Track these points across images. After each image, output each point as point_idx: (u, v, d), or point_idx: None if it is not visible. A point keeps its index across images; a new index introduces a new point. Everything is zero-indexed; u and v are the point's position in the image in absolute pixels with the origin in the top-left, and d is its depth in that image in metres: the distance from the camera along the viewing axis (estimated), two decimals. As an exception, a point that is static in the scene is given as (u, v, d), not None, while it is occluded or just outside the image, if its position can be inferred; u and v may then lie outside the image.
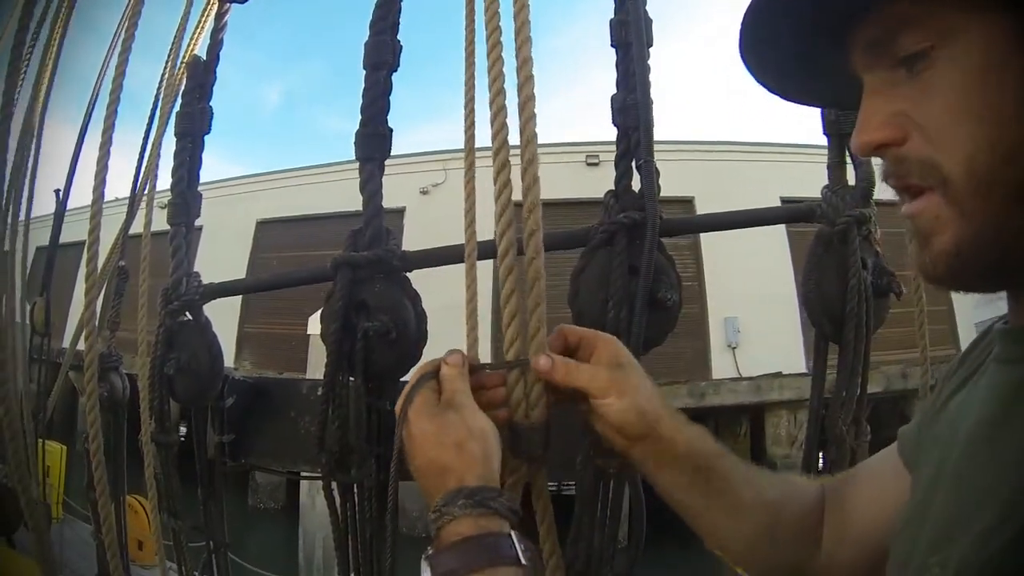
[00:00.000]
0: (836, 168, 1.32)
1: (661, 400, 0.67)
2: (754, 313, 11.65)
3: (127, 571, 2.57)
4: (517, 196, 0.75)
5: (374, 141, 1.11)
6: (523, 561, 0.54)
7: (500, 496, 0.57)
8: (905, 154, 0.45)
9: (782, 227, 11.96)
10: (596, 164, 11.83)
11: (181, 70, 1.72)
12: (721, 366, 11.64)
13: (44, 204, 3.08)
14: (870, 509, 0.63)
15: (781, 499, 0.68)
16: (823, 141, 1.34)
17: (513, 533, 0.56)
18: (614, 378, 0.65)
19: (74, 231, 3.37)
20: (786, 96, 0.55)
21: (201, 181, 1.56)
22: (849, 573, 0.65)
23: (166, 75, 1.92)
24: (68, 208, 3.14)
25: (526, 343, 0.66)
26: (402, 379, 1.09)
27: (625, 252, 0.97)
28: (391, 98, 1.19)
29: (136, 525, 2.49)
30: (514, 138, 0.75)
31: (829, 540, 0.66)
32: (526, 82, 0.73)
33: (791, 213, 1.30)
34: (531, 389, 0.66)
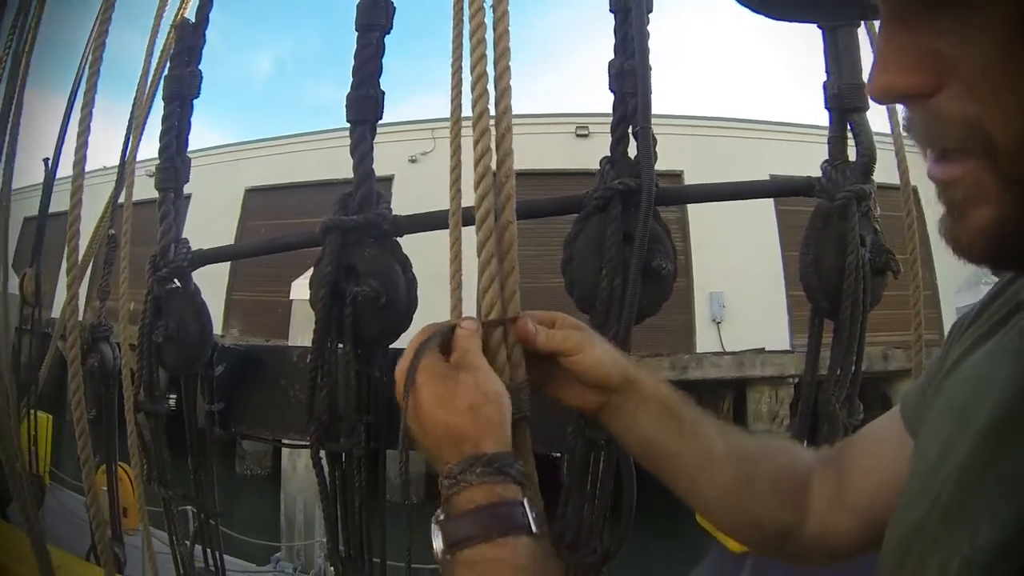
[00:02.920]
0: (837, 143, 1.29)
1: (622, 353, 0.69)
2: (740, 289, 11.76)
3: (120, 540, 2.58)
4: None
5: (366, 103, 1.08)
6: (534, 529, 0.53)
7: (517, 463, 0.57)
8: (939, 109, 0.35)
9: (771, 205, 11.99)
10: (586, 135, 11.82)
11: (170, 35, 1.68)
12: (705, 341, 11.76)
13: (35, 174, 3.05)
14: (871, 477, 0.60)
15: (758, 452, 0.67)
16: (814, 120, 1.32)
17: (526, 501, 0.55)
18: (582, 335, 0.67)
19: (64, 201, 3.32)
20: (777, 15, 0.47)
21: (189, 149, 1.53)
22: (847, 542, 0.63)
23: (156, 40, 1.88)
24: (58, 178, 3.09)
25: (504, 307, 0.66)
26: (392, 346, 1.08)
27: (619, 219, 0.95)
28: (383, 61, 1.17)
29: (123, 492, 2.49)
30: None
31: (823, 508, 0.63)
32: (503, 54, 0.73)
33: (790, 187, 1.28)
34: (512, 350, 0.66)
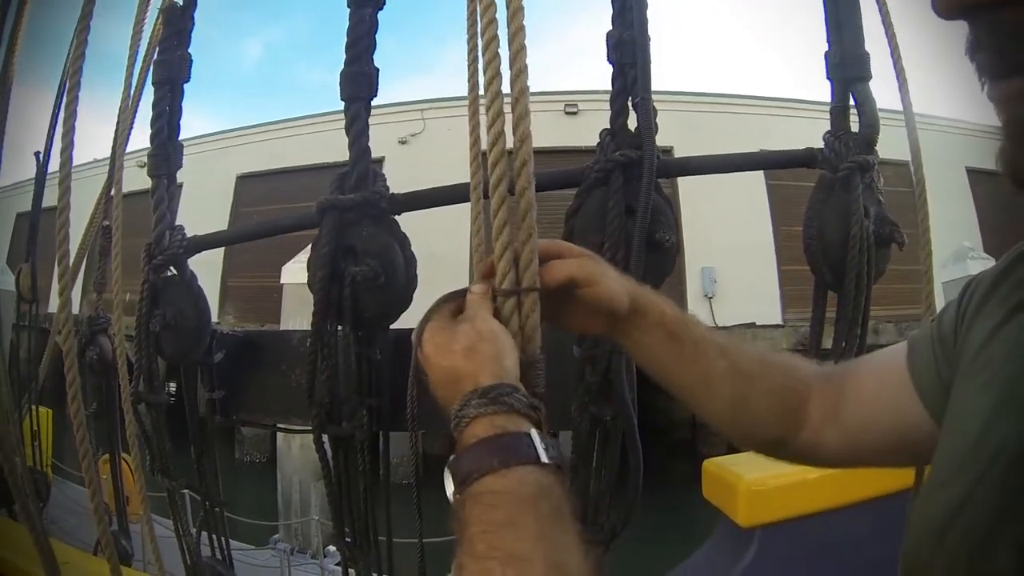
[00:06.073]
0: (839, 113, 1.27)
1: (629, 279, 0.70)
2: (731, 264, 11.75)
3: (127, 533, 2.59)
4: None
5: (360, 80, 1.06)
6: (544, 459, 0.51)
7: (516, 392, 0.55)
8: (1007, 20, 0.35)
9: (762, 180, 11.93)
10: (575, 113, 11.77)
11: (158, 20, 1.65)
12: (697, 316, 11.75)
13: (25, 170, 3.02)
14: (868, 408, 0.63)
15: (757, 371, 0.70)
16: (805, 95, 1.30)
17: (533, 431, 0.53)
18: (596, 265, 0.68)
19: (56, 195, 3.29)
20: None
21: (180, 137, 1.50)
22: (834, 456, 0.68)
23: (144, 27, 1.84)
24: (50, 172, 3.06)
25: (519, 275, 0.64)
26: (393, 326, 1.06)
27: (621, 191, 0.93)
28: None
29: (124, 482, 2.50)
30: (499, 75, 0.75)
31: (818, 422, 0.67)
32: (516, 12, 0.71)
33: (792, 158, 1.26)
34: (526, 321, 0.64)
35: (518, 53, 0.69)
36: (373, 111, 1.11)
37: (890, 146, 1.34)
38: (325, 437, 1.12)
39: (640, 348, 0.70)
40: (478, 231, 0.85)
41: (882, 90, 1.25)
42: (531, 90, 0.70)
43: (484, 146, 0.74)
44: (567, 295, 0.67)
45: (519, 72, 0.69)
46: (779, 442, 0.69)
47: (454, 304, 0.65)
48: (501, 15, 0.72)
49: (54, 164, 2.94)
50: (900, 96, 1.28)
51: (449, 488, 0.52)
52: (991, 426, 0.42)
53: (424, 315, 0.65)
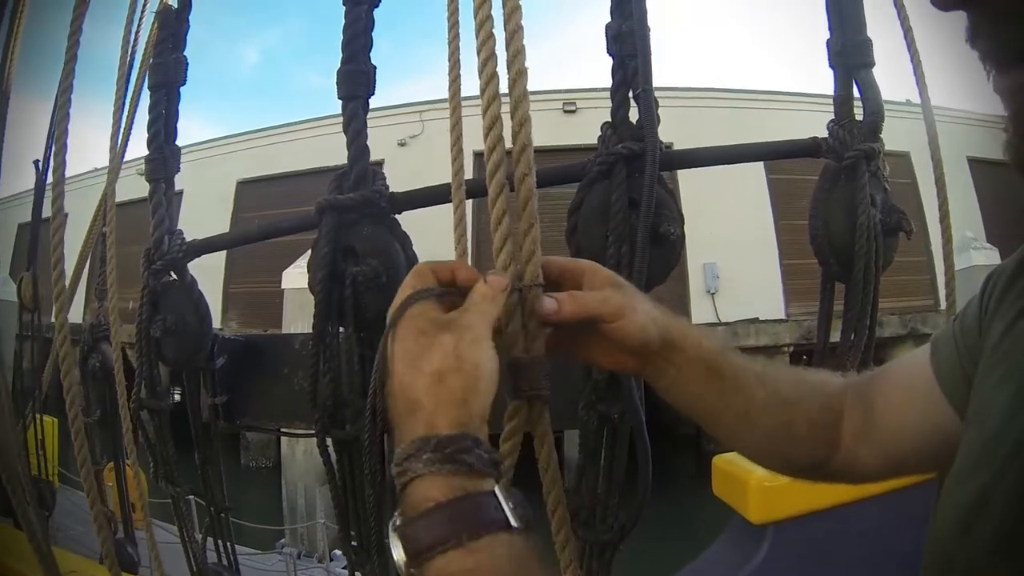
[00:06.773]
0: (842, 101, 1.26)
1: (661, 309, 0.64)
2: (734, 259, 11.73)
3: (132, 540, 2.58)
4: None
5: (357, 78, 1.05)
6: (514, 523, 0.43)
7: (478, 447, 0.46)
8: (1006, 8, 0.34)
9: (762, 174, 11.91)
10: (573, 111, 11.78)
11: (153, 24, 1.64)
12: (700, 312, 11.76)
13: (26, 181, 3.01)
14: (897, 416, 0.61)
15: (796, 396, 0.66)
16: (803, 88, 1.28)
17: (497, 489, 0.45)
18: (623, 297, 0.61)
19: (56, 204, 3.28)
20: None
21: (179, 145, 1.49)
22: (873, 471, 0.65)
23: (140, 31, 1.83)
24: (50, 181, 3.05)
25: (521, 269, 0.61)
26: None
27: (624, 185, 0.92)
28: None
29: (132, 488, 2.49)
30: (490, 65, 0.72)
31: (852, 439, 0.65)
32: (514, 12, 0.69)
33: (796, 148, 1.24)
34: (530, 319, 0.59)
35: (515, 33, 0.67)
36: (371, 113, 1.09)
37: (888, 136, 1.32)
38: (329, 440, 1.11)
39: (676, 386, 0.64)
40: (459, 222, 0.83)
41: (880, 80, 1.23)
42: (528, 88, 0.67)
43: (471, 144, 0.71)
44: (590, 330, 0.61)
45: (516, 52, 0.66)
46: (818, 465, 0.66)
47: (442, 293, 0.55)
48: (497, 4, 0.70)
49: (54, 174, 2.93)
50: (915, 83, 1.27)
51: (399, 555, 0.44)
52: (1011, 419, 0.42)
53: (405, 291, 0.54)
